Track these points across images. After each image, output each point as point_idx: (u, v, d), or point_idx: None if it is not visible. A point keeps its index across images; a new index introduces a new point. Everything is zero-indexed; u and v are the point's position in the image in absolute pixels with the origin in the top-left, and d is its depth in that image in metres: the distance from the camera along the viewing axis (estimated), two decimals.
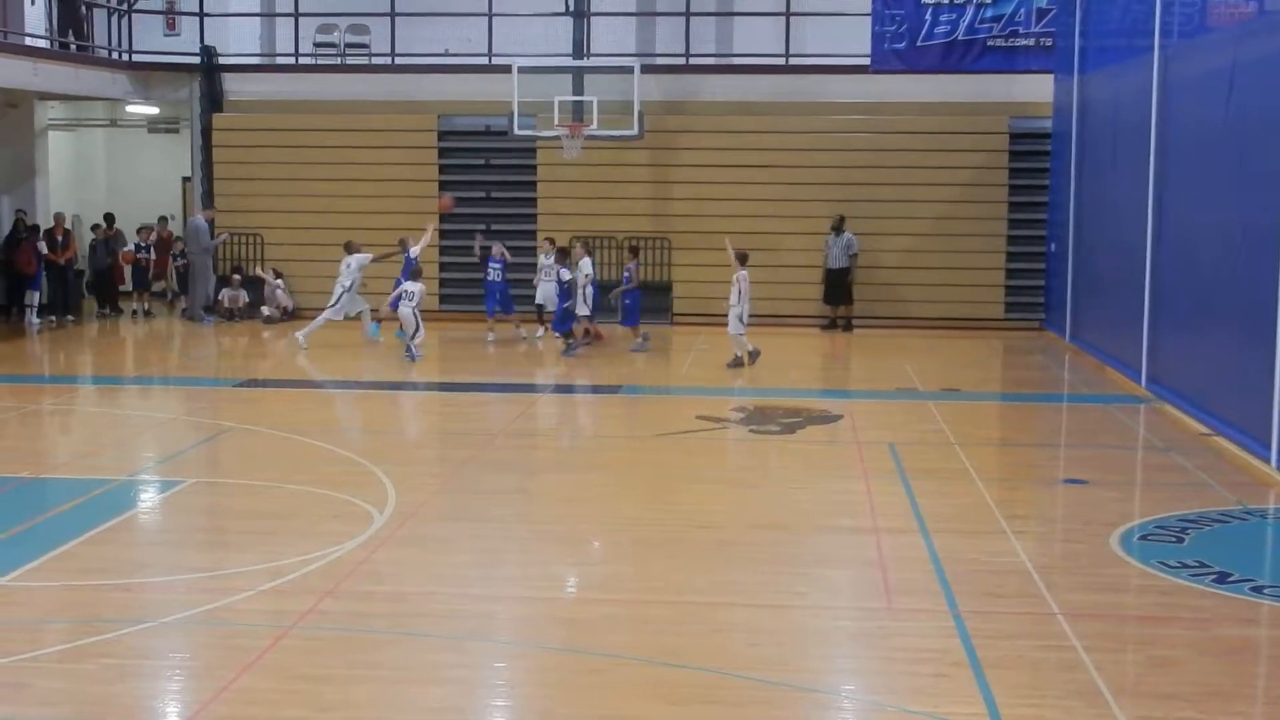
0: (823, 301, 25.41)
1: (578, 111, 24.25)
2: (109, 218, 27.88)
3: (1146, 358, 17.89)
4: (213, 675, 7.91)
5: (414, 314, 20.73)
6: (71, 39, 26.52)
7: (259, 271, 26.46)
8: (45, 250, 25.43)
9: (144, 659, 8.31)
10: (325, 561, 10.06)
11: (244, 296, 26.52)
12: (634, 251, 23.62)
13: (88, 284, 27.83)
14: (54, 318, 25.60)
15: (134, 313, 26.88)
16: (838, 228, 24.99)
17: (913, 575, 9.92)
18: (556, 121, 24.01)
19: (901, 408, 17.47)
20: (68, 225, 26.65)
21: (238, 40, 28.20)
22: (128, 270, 27.60)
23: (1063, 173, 23.72)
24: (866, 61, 25.04)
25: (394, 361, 20.77)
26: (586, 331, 21.90)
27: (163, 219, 28.72)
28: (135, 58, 27.70)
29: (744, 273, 19.95)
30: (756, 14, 27.23)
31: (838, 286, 25.18)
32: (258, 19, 28.75)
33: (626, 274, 22.80)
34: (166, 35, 28.44)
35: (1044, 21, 24.49)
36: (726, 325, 20.08)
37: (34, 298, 25.46)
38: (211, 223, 26.42)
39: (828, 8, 25.96)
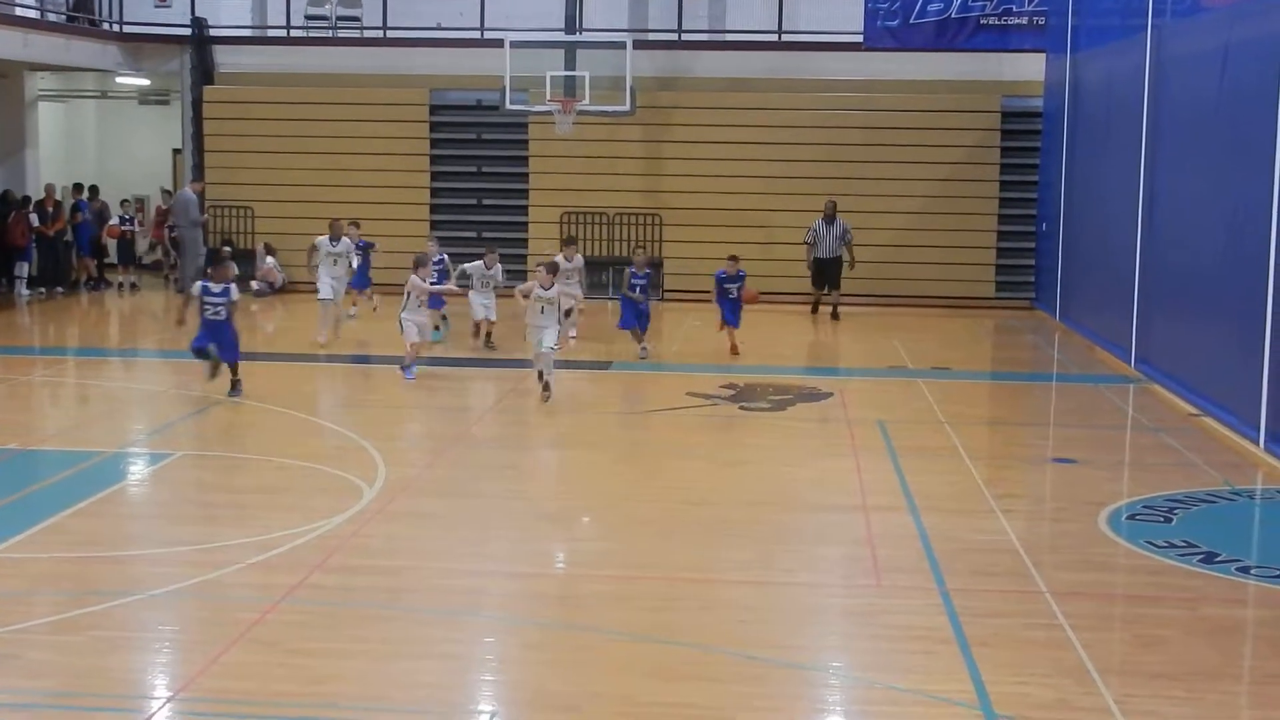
0: (812, 285, 24.40)
1: (570, 87, 24.18)
2: (94, 189, 27.93)
3: (1136, 338, 17.92)
4: (202, 648, 7.91)
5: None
6: (81, 14, 26.62)
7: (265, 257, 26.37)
8: (36, 223, 25.37)
9: (133, 631, 8.31)
10: (315, 535, 10.07)
11: (234, 269, 26.37)
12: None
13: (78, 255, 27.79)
14: (43, 289, 25.53)
15: (120, 285, 26.80)
16: (830, 215, 23.98)
17: (902, 553, 9.94)
18: (549, 97, 23.95)
19: (892, 386, 17.49)
20: (58, 197, 26.58)
21: (229, 12, 28.06)
22: (113, 244, 27.59)
23: (1054, 152, 23.73)
24: (859, 39, 25.01)
25: (384, 336, 20.72)
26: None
27: (166, 193, 28.66)
28: (126, 29, 27.58)
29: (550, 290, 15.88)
30: None
31: (830, 274, 24.16)
32: None
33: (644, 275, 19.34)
34: (157, 6, 28.24)
35: (1037, 0, 24.46)
36: (548, 345, 15.58)
37: (24, 269, 25.41)
38: (201, 195, 26.34)
39: None
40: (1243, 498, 11.91)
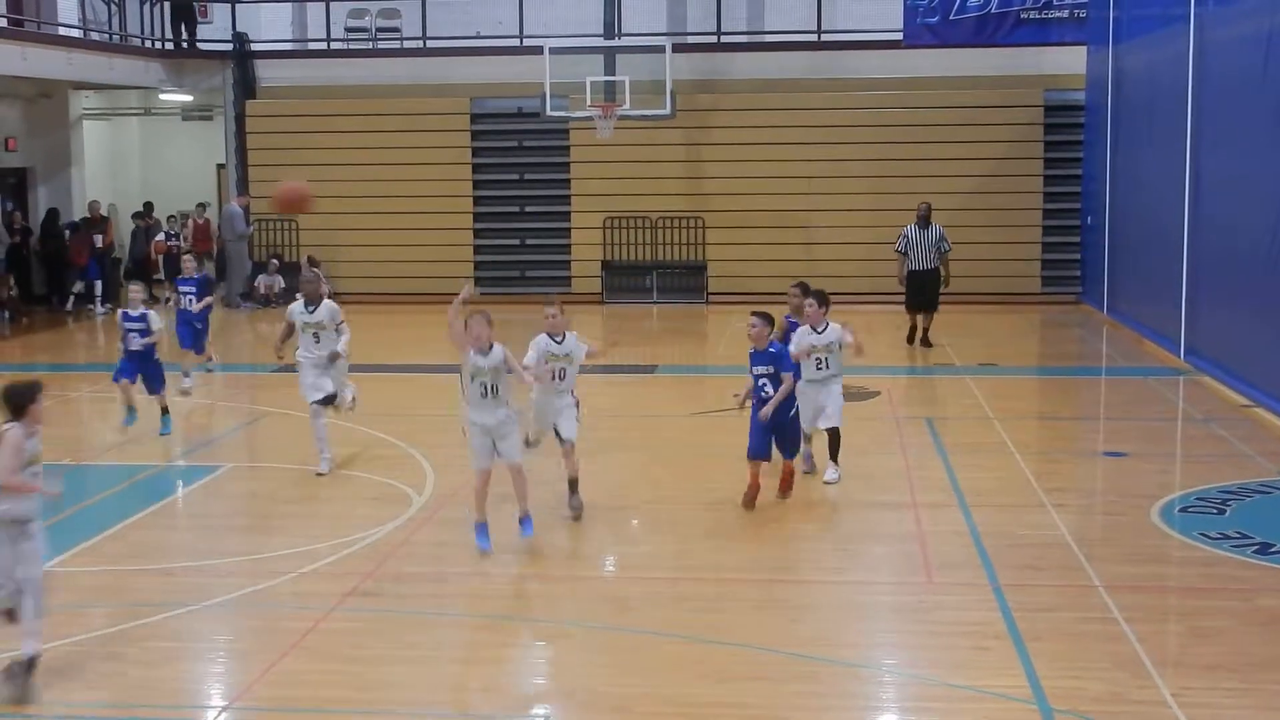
0: (907, 308, 20.54)
1: (610, 92, 24.21)
2: (149, 206, 28.20)
3: (1185, 330, 17.76)
4: (255, 657, 7.96)
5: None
6: (184, 35, 27.27)
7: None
8: (100, 243, 25.59)
9: (187, 642, 8.38)
10: (365, 544, 10.12)
11: (280, 282, 26.60)
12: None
13: (126, 271, 28.01)
14: (92, 305, 25.74)
15: (167, 300, 26.99)
16: (925, 219, 20.34)
17: (952, 549, 9.90)
18: (589, 102, 23.99)
19: (939, 383, 17.41)
20: (104, 213, 26.80)
21: (269, 26, 28.30)
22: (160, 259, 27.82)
23: (1098, 145, 23.57)
24: (899, 36, 24.94)
25: (429, 345, 20.77)
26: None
27: (200, 206, 28.85)
28: (168, 45, 27.82)
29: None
30: None
31: (926, 291, 20.22)
32: (289, 4, 28.80)
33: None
34: (199, 22, 28.52)
35: None
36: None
37: (79, 287, 25.56)
38: (246, 209, 26.52)
39: None
40: None
